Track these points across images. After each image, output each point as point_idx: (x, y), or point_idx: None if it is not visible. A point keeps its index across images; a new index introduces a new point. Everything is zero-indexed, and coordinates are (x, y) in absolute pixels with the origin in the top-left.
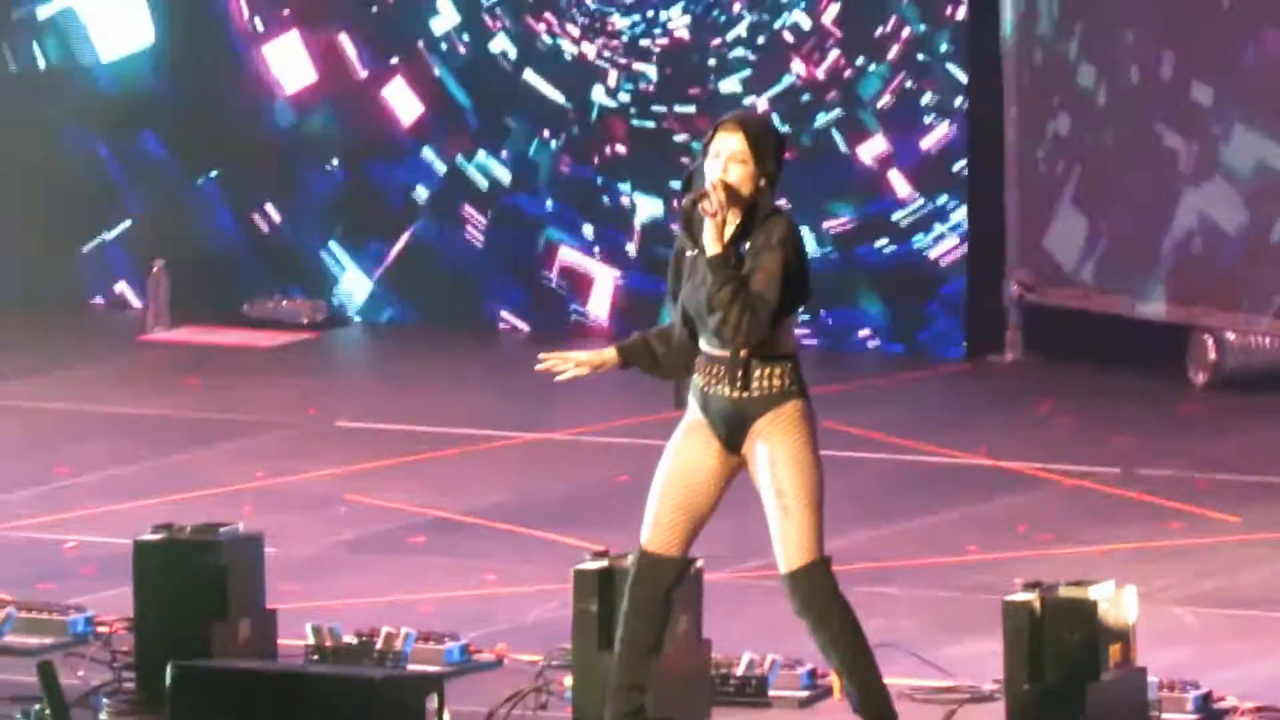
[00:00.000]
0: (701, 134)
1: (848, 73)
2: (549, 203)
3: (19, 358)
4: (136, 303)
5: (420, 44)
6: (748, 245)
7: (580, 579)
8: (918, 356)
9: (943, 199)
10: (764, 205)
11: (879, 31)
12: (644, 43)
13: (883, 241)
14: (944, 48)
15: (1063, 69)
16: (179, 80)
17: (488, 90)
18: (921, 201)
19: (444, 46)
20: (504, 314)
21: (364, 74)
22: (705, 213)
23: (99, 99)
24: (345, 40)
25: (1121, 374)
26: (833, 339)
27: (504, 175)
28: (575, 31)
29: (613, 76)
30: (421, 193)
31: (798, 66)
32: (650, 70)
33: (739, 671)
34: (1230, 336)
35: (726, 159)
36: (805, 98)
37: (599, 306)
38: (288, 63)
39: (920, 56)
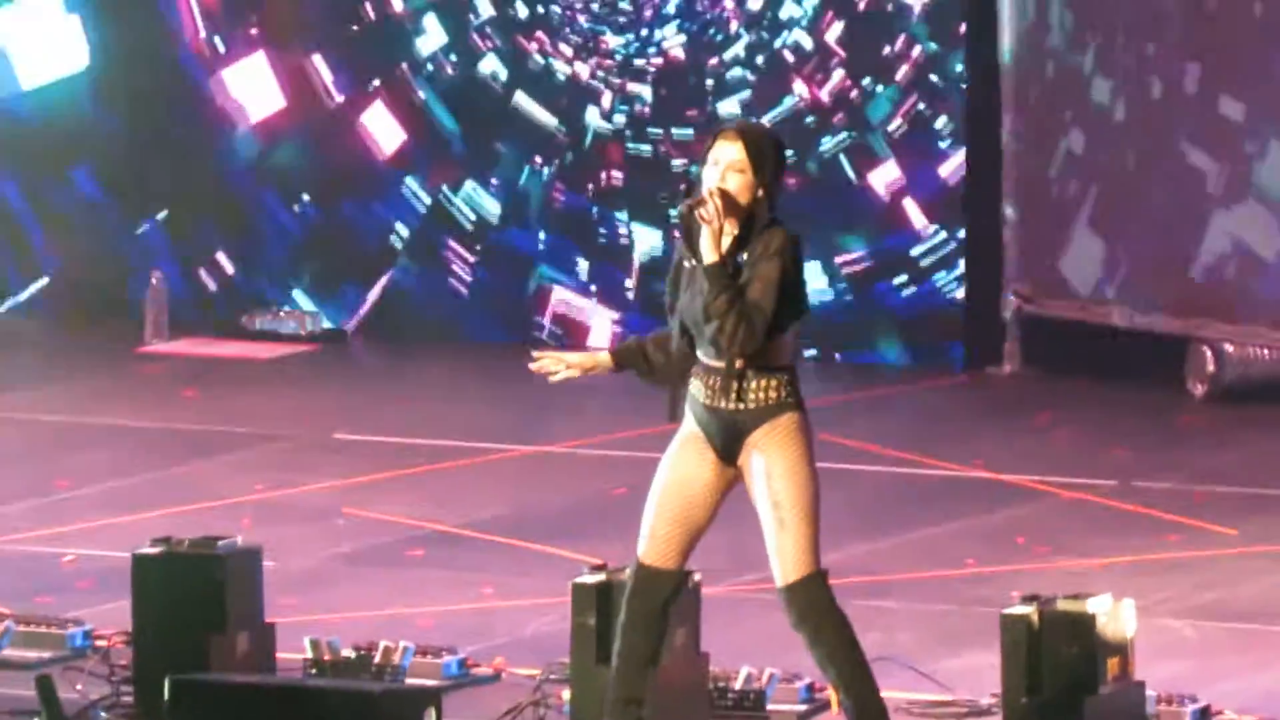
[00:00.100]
0: (700, 160)
1: (854, 94)
2: (541, 236)
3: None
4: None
5: (403, 66)
6: (745, 255)
7: (578, 592)
8: (916, 368)
9: (964, 232)
10: (762, 215)
11: (886, 51)
12: (638, 63)
13: (901, 279)
14: (959, 68)
15: (1076, 83)
16: (118, 109)
17: (477, 114)
18: (943, 236)
19: (429, 68)
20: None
21: (339, 99)
22: (702, 220)
23: (18, 132)
24: (319, 62)
25: (1120, 386)
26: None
27: (493, 208)
28: (568, 51)
29: (607, 98)
30: (402, 230)
31: (800, 88)
32: (645, 91)
33: (737, 685)
34: (1229, 348)
35: (725, 167)
36: (809, 120)
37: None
38: (252, 88)
39: (933, 78)
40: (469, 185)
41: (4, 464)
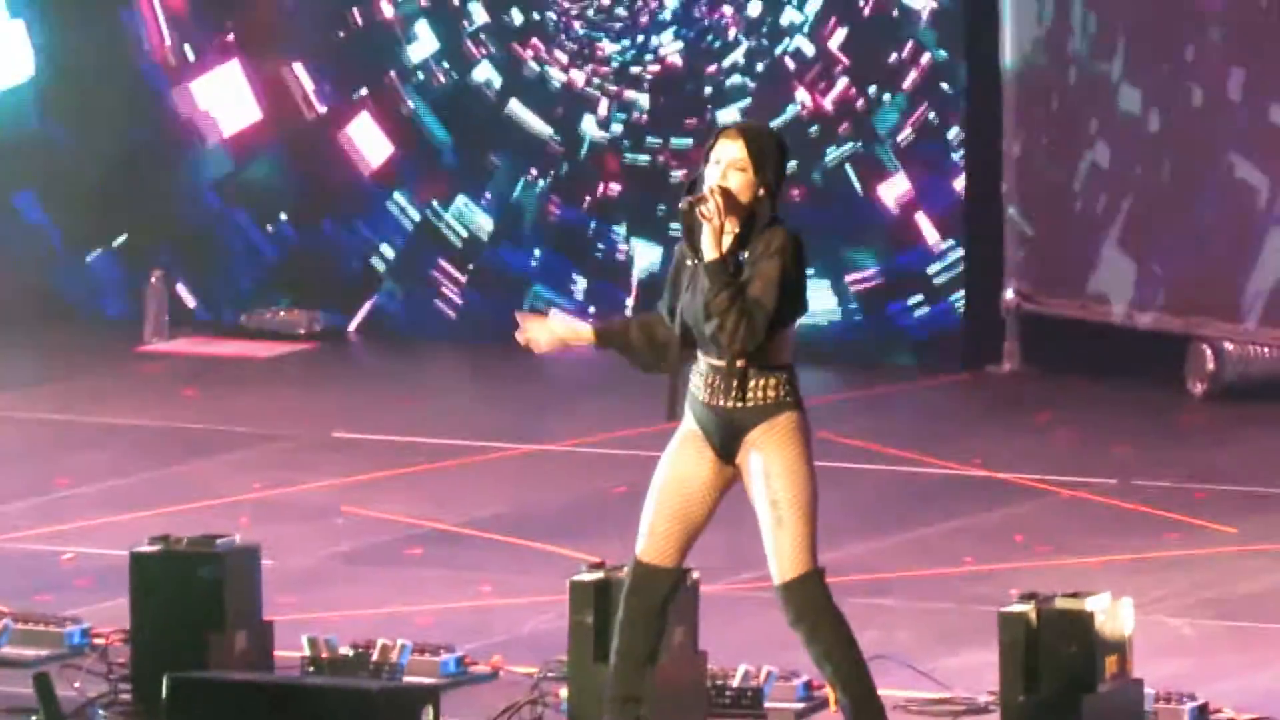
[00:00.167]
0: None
1: (859, 103)
2: (536, 253)
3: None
4: None
5: (392, 74)
6: (745, 254)
7: (576, 590)
8: (915, 367)
9: (963, 231)
10: (763, 214)
11: (893, 58)
12: (635, 70)
13: (916, 299)
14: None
15: (1102, 91)
16: (68, 123)
17: (469, 124)
18: (960, 253)
19: (420, 76)
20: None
21: (322, 110)
22: (703, 217)
23: None
24: (299, 71)
25: (1120, 384)
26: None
27: (485, 223)
28: (563, 58)
29: (603, 106)
30: (387, 251)
31: (802, 96)
32: (643, 99)
33: (735, 683)
34: (1229, 346)
35: (726, 166)
36: (813, 130)
37: None
38: (224, 98)
39: (944, 86)
40: (460, 200)
41: (4, 462)
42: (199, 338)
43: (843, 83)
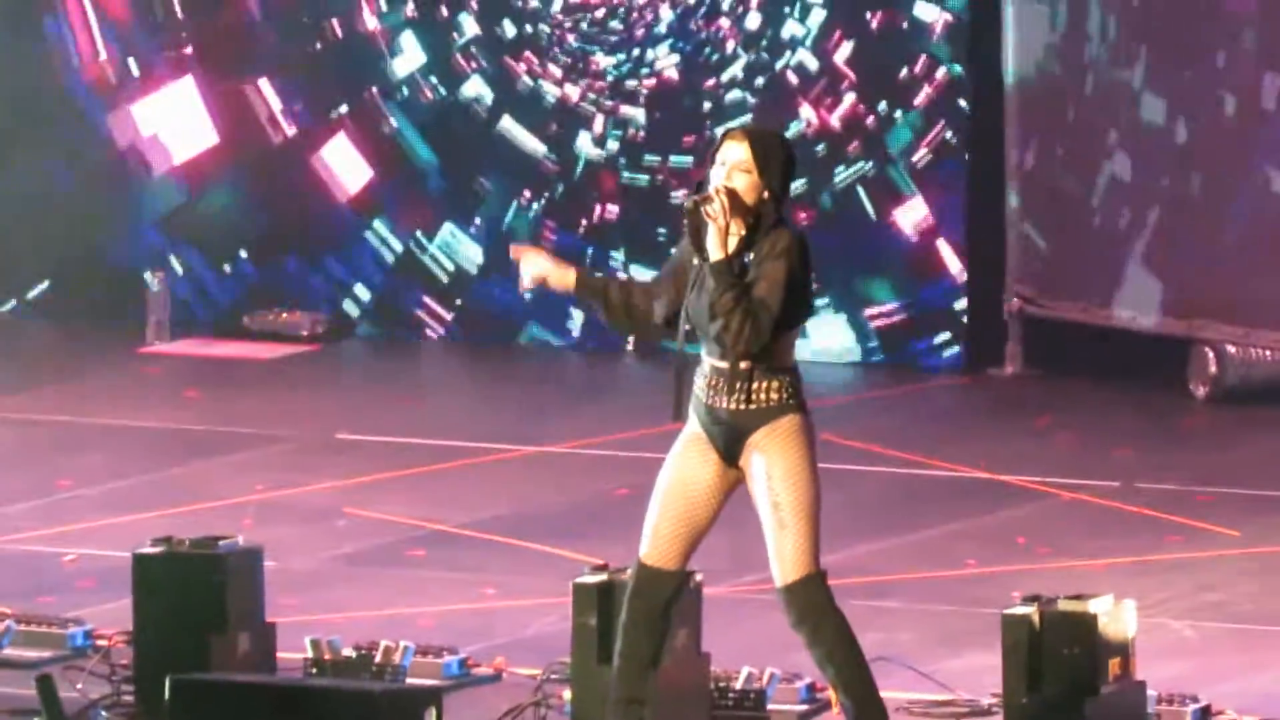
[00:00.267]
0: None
1: (870, 120)
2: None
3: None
4: None
5: (373, 90)
6: (750, 256)
7: (579, 592)
8: (917, 369)
9: (964, 231)
10: (768, 216)
11: (904, 73)
12: (630, 84)
13: (943, 338)
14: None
15: (1122, 100)
16: None
17: (458, 143)
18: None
19: (405, 92)
20: None
21: (291, 132)
22: (708, 217)
23: None
24: (266, 88)
25: (1122, 387)
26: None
27: (474, 254)
28: (558, 72)
29: (599, 122)
30: (361, 293)
31: (807, 112)
32: (639, 115)
33: (737, 685)
34: (1231, 349)
35: (730, 168)
36: (820, 148)
37: None
38: (175, 122)
39: (961, 103)
40: (447, 229)
41: (6, 464)
42: (201, 339)
43: (850, 98)
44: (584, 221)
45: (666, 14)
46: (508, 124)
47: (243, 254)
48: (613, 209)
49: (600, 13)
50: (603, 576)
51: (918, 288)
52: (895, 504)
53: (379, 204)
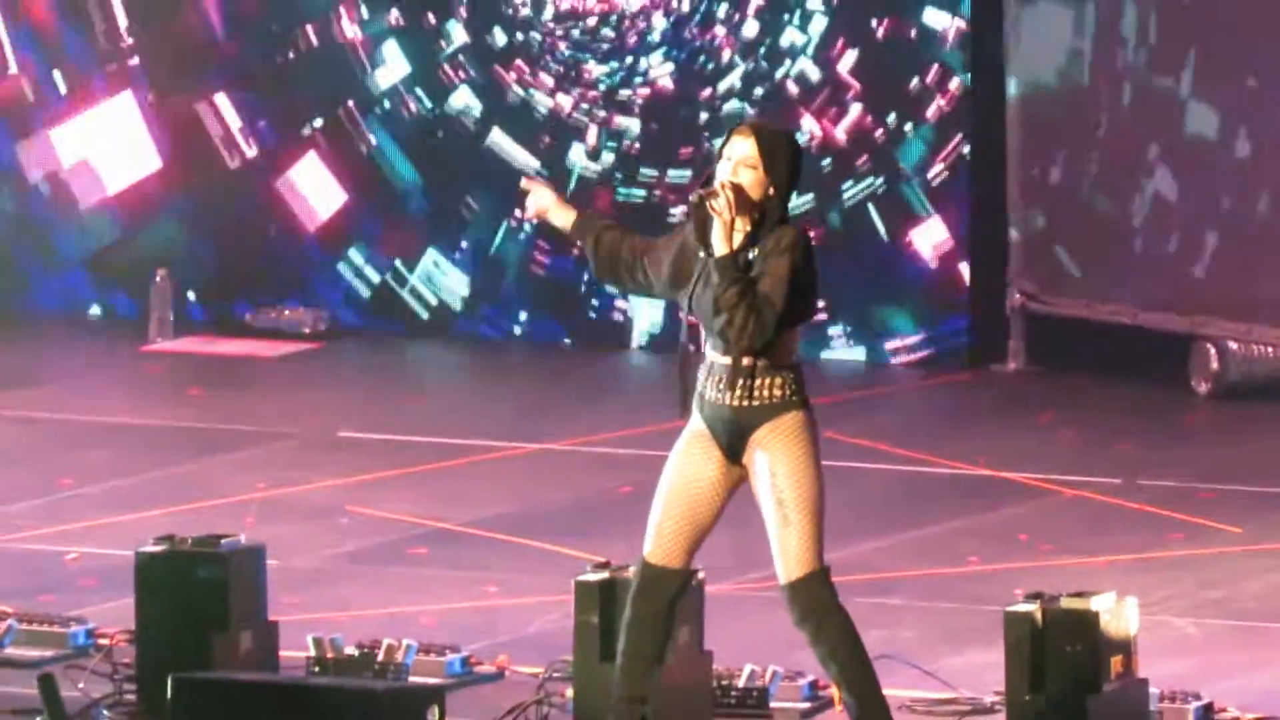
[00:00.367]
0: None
1: (878, 134)
2: (522, 317)
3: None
4: None
5: (350, 104)
6: (755, 252)
7: (582, 590)
8: (921, 366)
9: (966, 228)
10: (773, 213)
11: (914, 84)
12: (624, 94)
13: (953, 343)
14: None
15: (1168, 109)
16: None
17: (443, 160)
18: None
19: (386, 105)
20: None
21: (251, 153)
22: (714, 211)
23: None
24: (224, 104)
25: (1124, 384)
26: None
27: (459, 285)
28: (549, 82)
29: (593, 134)
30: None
31: (809, 123)
32: (633, 125)
33: (740, 683)
34: (1233, 346)
35: (737, 163)
36: (825, 162)
37: None
38: (110, 145)
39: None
40: (430, 257)
41: (7, 462)
42: (203, 337)
43: (856, 110)
44: (578, 244)
45: (660, 21)
46: (497, 137)
47: (190, 296)
48: None
49: (592, 20)
50: (605, 574)
51: (941, 318)
52: (897, 501)
53: (354, 230)
